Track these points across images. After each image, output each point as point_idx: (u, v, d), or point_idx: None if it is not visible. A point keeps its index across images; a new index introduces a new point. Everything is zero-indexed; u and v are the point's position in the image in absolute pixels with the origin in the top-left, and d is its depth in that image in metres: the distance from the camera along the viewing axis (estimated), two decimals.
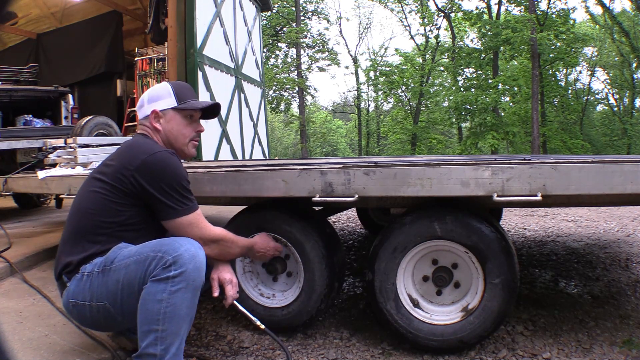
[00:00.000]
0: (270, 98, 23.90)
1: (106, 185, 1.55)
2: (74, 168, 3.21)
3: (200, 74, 6.39)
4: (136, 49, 7.21)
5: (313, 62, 26.43)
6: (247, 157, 8.10)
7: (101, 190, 1.55)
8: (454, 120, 23.30)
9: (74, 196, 2.69)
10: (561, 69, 22.94)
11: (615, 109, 27.33)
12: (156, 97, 1.73)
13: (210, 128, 6.62)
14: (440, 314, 1.88)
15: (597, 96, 28.15)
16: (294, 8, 23.77)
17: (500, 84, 21.18)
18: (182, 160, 1.73)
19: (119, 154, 1.63)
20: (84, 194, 1.63)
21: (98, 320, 1.52)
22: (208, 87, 6.61)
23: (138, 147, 1.62)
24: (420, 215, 1.86)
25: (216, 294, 1.71)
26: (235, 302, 1.77)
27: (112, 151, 3.79)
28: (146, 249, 1.44)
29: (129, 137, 5.81)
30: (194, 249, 1.44)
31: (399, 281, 1.88)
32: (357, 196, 1.74)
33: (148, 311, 1.37)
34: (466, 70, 22.89)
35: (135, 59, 6.89)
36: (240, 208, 2.21)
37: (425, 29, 25.43)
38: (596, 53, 26.37)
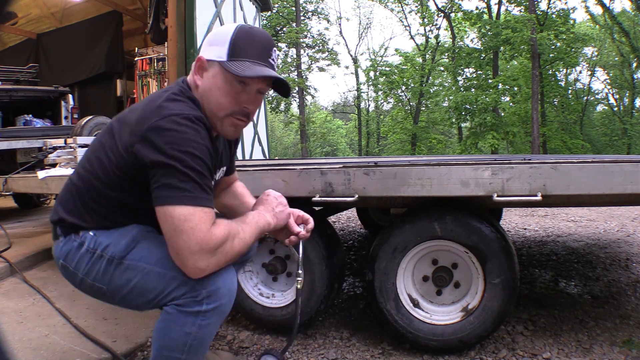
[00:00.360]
0: (270, 98, 23.90)
1: (114, 153, 1.20)
2: (74, 168, 3.21)
3: None
4: (136, 49, 7.21)
5: (313, 62, 26.46)
6: (247, 157, 8.10)
7: (109, 156, 1.21)
8: (454, 120, 23.31)
9: None
10: (561, 69, 22.95)
11: (615, 109, 27.34)
12: (212, 40, 1.25)
13: None
14: (440, 314, 1.88)
15: (597, 96, 28.18)
16: (294, 8, 23.78)
17: (500, 84, 21.18)
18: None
19: (139, 108, 1.23)
20: (93, 155, 1.28)
21: (86, 290, 1.31)
22: None
23: (154, 104, 1.19)
24: (420, 215, 1.86)
25: (298, 230, 1.41)
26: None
27: None
28: (172, 263, 1.15)
29: None
30: (231, 279, 1.21)
31: (399, 281, 1.88)
32: (357, 196, 1.74)
33: (172, 340, 1.20)
34: (466, 70, 22.90)
35: (135, 59, 6.88)
36: None
37: (425, 29, 25.45)
38: (596, 53, 26.38)
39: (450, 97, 22.47)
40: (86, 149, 1.38)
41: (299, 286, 1.50)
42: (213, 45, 1.24)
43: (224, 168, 1.50)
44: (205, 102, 1.25)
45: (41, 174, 3.04)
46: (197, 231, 1.09)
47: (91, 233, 1.26)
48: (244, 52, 1.21)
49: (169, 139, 1.12)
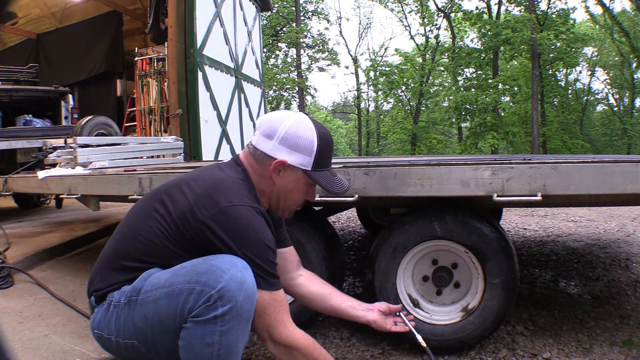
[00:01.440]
0: (270, 98, 23.91)
1: (168, 219, 1.24)
2: (74, 168, 3.21)
3: (200, 74, 6.39)
4: (136, 49, 7.21)
5: (313, 62, 26.49)
6: None
7: (161, 223, 1.25)
8: (454, 120, 23.33)
9: (74, 196, 2.71)
10: (561, 69, 22.97)
11: (615, 109, 27.35)
12: (295, 146, 1.31)
13: (210, 128, 6.62)
14: (440, 314, 1.88)
15: (597, 96, 28.21)
16: (294, 8, 23.79)
17: (500, 84, 21.20)
18: None
19: (201, 188, 1.27)
20: (144, 214, 1.31)
21: (127, 356, 1.29)
22: (208, 87, 6.61)
23: (221, 189, 1.25)
24: (421, 215, 1.86)
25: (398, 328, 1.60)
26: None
27: (112, 151, 3.79)
28: (179, 278, 1.16)
29: (128, 137, 5.85)
30: (240, 272, 1.14)
31: (399, 281, 1.88)
32: (357, 196, 1.74)
33: (197, 356, 1.14)
34: (466, 70, 22.93)
35: (135, 59, 6.89)
36: None
37: (425, 29, 25.48)
38: (596, 53, 26.40)
39: (450, 97, 22.49)
40: (132, 211, 1.40)
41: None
42: (296, 151, 1.32)
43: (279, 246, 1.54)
44: (281, 197, 1.39)
45: (41, 174, 3.03)
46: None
47: (119, 290, 1.26)
48: (323, 163, 1.37)
49: (242, 233, 1.21)
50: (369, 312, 1.60)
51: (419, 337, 1.60)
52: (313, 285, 1.61)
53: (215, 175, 1.33)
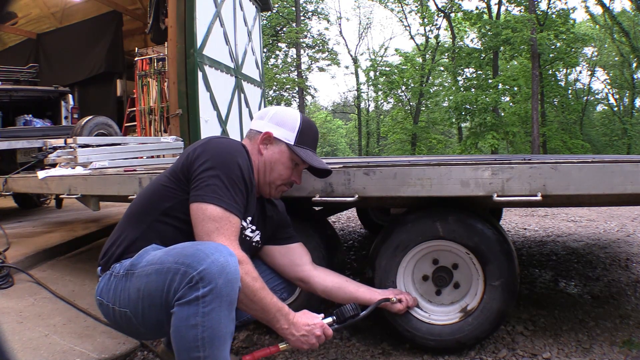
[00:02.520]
0: (270, 98, 23.91)
1: (167, 172, 1.47)
2: (74, 168, 3.21)
3: (200, 74, 6.39)
4: (136, 49, 7.21)
5: (313, 62, 26.48)
6: None
7: (162, 177, 1.47)
8: (454, 120, 23.32)
9: (74, 196, 2.71)
10: (561, 69, 22.97)
11: (615, 109, 27.36)
12: (280, 122, 1.55)
13: (210, 128, 6.62)
14: (439, 314, 1.88)
15: (597, 96, 28.21)
16: (294, 8, 23.79)
17: (500, 84, 21.20)
18: None
19: (192, 145, 1.49)
20: (142, 192, 1.55)
21: (122, 326, 1.39)
22: (208, 87, 6.61)
23: (210, 137, 1.50)
24: (423, 215, 1.86)
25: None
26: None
27: (112, 151, 3.79)
28: (169, 257, 1.25)
29: (128, 137, 5.84)
30: (223, 257, 1.19)
31: (398, 279, 1.88)
32: (357, 196, 1.74)
33: (184, 339, 1.20)
34: (466, 70, 22.93)
35: (135, 59, 6.89)
36: None
37: (425, 29, 25.48)
38: (596, 53, 26.41)
39: (450, 97, 22.49)
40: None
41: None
42: (281, 126, 1.55)
43: (259, 233, 1.62)
44: (267, 168, 1.55)
45: (41, 174, 3.03)
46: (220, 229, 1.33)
47: (120, 262, 1.39)
48: (306, 141, 1.57)
49: (216, 150, 1.39)
50: (385, 291, 1.76)
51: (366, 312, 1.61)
52: (330, 277, 1.71)
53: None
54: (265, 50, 21.61)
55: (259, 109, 9.15)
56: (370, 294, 1.70)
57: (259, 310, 1.35)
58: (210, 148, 1.39)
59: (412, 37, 27.18)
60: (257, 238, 1.61)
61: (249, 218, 1.55)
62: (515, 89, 21.58)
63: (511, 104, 22.48)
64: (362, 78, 29.00)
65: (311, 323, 1.44)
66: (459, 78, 22.92)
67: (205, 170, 1.34)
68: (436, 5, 23.79)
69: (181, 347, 1.21)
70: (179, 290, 1.18)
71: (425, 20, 24.67)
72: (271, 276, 1.69)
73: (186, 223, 1.37)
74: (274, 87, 24.10)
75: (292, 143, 1.53)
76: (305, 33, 24.88)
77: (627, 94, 25.90)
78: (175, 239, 1.36)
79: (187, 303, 1.17)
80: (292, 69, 25.05)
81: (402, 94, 26.29)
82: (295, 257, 1.69)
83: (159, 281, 1.22)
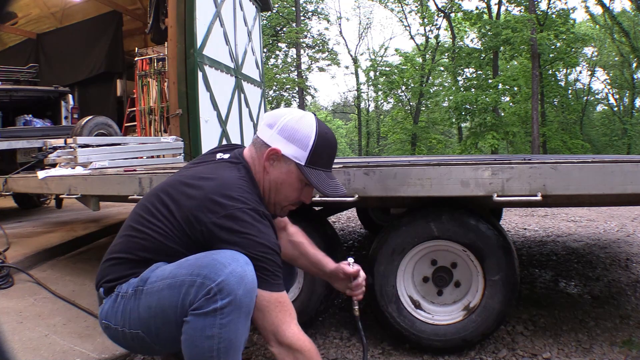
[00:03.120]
0: (270, 98, 23.91)
1: (173, 222, 1.26)
2: (74, 168, 3.21)
3: (200, 74, 6.39)
4: (136, 49, 7.21)
5: (313, 62, 26.46)
6: None
7: (166, 225, 1.26)
8: (454, 120, 23.31)
9: (74, 196, 2.71)
10: (561, 69, 22.96)
11: (615, 109, 27.35)
12: (291, 137, 1.32)
13: (210, 128, 6.62)
14: (442, 314, 1.88)
15: (597, 96, 28.20)
16: (294, 8, 23.78)
17: (500, 84, 21.19)
18: None
19: (204, 191, 1.25)
20: (148, 214, 1.31)
21: (133, 346, 1.33)
22: (208, 87, 6.61)
23: (223, 190, 1.25)
24: (416, 216, 1.86)
25: (350, 270, 1.56)
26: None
27: (112, 151, 3.79)
28: (182, 270, 1.18)
29: (128, 137, 5.84)
30: (240, 267, 1.14)
31: (399, 283, 1.88)
32: (357, 196, 1.74)
33: (198, 349, 1.15)
34: (466, 70, 22.92)
35: (135, 59, 6.88)
36: None
37: (425, 29, 25.46)
38: (596, 53, 26.39)
39: (450, 97, 22.47)
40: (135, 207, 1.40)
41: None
42: (292, 142, 1.32)
43: None
44: (272, 190, 1.37)
45: (41, 174, 3.03)
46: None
47: (127, 282, 1.29)
48: (319, 161, 1.34)
49: (247, 237, 1.21)
50: (334, 266, 1.61)
51: (355, 307, 1.59)
52: (293, 237, 1.63)
53: (218, 175, 1.31)
54: (265, 50, 21.61)
55: (259, 108, 9.15)
56: (324, 260, 1.63)
57: None
58: (236, 233, 1.20)
59: (412, 37, 27.19)
60: None
61: None
62: (515, 89, 21.57)
63: (511, 104, 22.47)
64: (362, 78, 29.01)
65: None
66: (459, 78, 22.92)
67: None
68: (436, 5, 23.80)
69: (194, 356, 1.17)
70: (195, 302, 1.14)
71: (425, 20, 24.66)
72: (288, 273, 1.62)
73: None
74: (274, 87, 24.09)
75: (303, 164, 1.32)
76: (305, 33, 24.87)
77: (627, 94, 25.90)
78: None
79: (204, 315, 1.13)
80: (292, 69, 25.04)
81: (402, 94, 26.28)
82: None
83: (172, 296, 1.16)
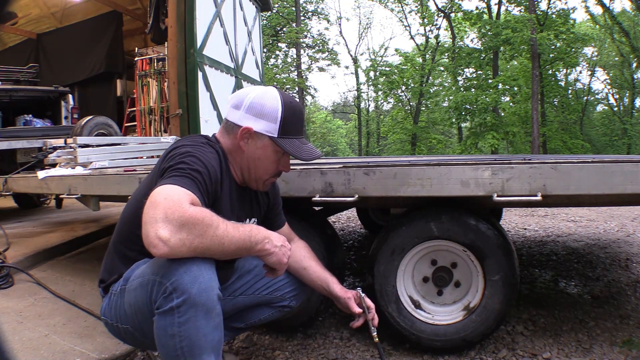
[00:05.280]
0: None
1: (142, 189, 1.36)
2: (74, 168, 3.21)
3: (200, 74, 6.39)
4: (136, 49, 7.21)
5: (313, 62, 26.47)
6: None
7: (138, 195, 1.35)
8: (454, 120, 23.30)
9: (74, 196, 2.72)
10: (561, 69, 22.97)
11: (615, 109, 27.35)
12: (259, 113, 1.37)
13: (210, 128, 6.62)
14: (442, 314, 1.88)
15: (597, 96, 28.21)
16: (294, 8, 23.78)
17: (500, 84, 21.19)
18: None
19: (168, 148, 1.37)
20: (130, 198, 1.45)
21: (128, 340, 1.39)
22: (208, 87, 6.61)
23: (177, 141, 1.37)
24: (416, 216, 1.86)
25: (358, 324, 1.53)
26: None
27: (112, 151, 3.79)
28: (148, 269, 1.21)
29: (128, 137, 5.84)
30: (195, 266, 1.14)
31: (399, 283, 1.88)
32: (357, 196, 1.74)
33: (165, 348, 1.19)
34: (466, 70, 22.92)
35: (135, 59, 6.88)
36: None
37: (425, 29, 25.47)
38: (596, 53, 26.40)
39: (450, 97, 22.48)
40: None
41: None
42: (261, 118, 1.37)
43: (255, 220, 1.55)
44: (250, 165, 1.41)
45: (41, 174, 3.03)
46: (168, 201, 1.09)
47: (119, 280, 1.35)
48: (290, 129, 1.39)
49: (181, 152, 1.26)
50: (340, 291, 1.56)
51: (374, 332, 1.54)
52: (297, 252, 1.59)
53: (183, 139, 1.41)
54: (265, 50, 21.60)
55: None
56: (331, 285, 1.57)
57: (233, 250, 1.17)
58: (175, 154, 1.27)
59: (412, 37, 27.20)
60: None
61: (253, 220, 1.53)
62: (515, 89, 21.58)
63: (511, 104, 22.48)
64: (362, 78, 29.03)
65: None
66: (459, 78, 22.92)
67: (163, 165, 1.26)
68: (436, 5, 23.80)
69: (164, 355, 1.20)
70: (157, 300, 1.16)
71: (425, 20, 24.66)
72: (283, 282, 1.60)
73: None
74: (274, 87, 24.06)
75: (276, 135, 1.37)
76: (305, 33, 24.87)
77: (627, 94, 25.90)
78: None
79: (164, 313, 1.14)
80: (292, 69, 25.04)
81: (402, 94, 26.28)
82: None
83: (143, 294, 1.20)
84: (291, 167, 1.53)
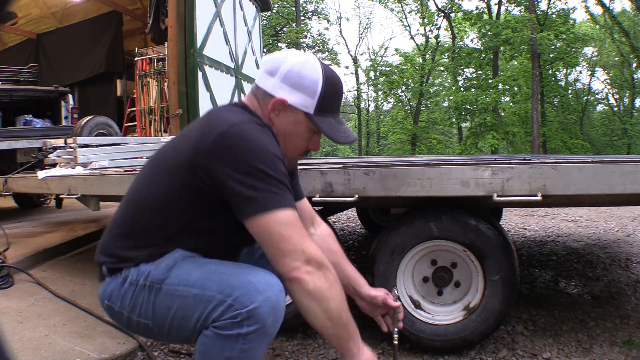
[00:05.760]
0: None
1: (174, 177, 1.17)
2: (74, 168, 3.21)
3: (200, 74, 6.39)
4: (136, 49, 7.21)
5: None
6: None
7: (167, 183, 1.18)
8: (454, 120, 23.30)
9: (74, 196, 2.71)
10: (561, 69, 22.95)
11: (615, 109, 27.35)
12: (297, 84, 1.20)
13: None
14: (442, 314, 1.88)
15: (597, 96, 28.20)
16: (294, 8, 23.80)
17: (500, 84, 21.18)
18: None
19: (198, 126, 1.20)
20: (147, 181, 1.26)
21: (134, 329, 1.28)
22: (208, 87, 6.61)
23: (217, 118, 1.18)
24: (416, 216, 1.86)
25: (396, 303, 1.42)
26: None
27: (112, 151, 3.79)
28: (212, 284, 1.10)
29: (128, 137, 5.84)
30: (275, 295, 1.08)
31: (399, 283, 1.88)
32: (357, 196, 1.74)
33: None
34: (466, 70, 22.91)
35: (135, 59, 6.88)
36: None
37: (425, 29, 25.45)
38: (596, 53, 26.39)
39: (450, 97, 22.47)
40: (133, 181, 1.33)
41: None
42: (298, 90, 1.20)
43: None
44: (280, 140, 1.23)
45: (41, 174, 3.03)
46: (293, 236, 1.08)
47: (136, 267, 1.20)
48: (328, 107, 1.24)
49: (244, 148, 1.09)
50: (374, 290, 1.47)
51: (395, 336, 1.46)
52: (325, 242, 1.46)
53: (205, 114, 1.27)
54: (265, 50, 21.59)
55: None
56: (359, 286, 1.46)
57: (337, 334, 1.16)
58: (226, 149, 1.10)
59: (412, 37, 27.18)
60: None
61: None
62: (515, 89, 21.57)
63: (511, 104, 22.46)
64: (362, 78, 29.02)
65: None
66: (459, 78, 22.91)
67: (240, 180, 1.08)
68: (436, 5, 23.79)
69: None
70: (219, 320, 1.08)
71: (425, 20, 24.65)
72: None
73: (216, 231, 1.21)
74: None
75: (312, 112, 1.22)
76: (305, 33, 24.89)
77: (627, 94, 25.89)
78: (203, 251, 1.21)
79: (226, 336, 1.07)
80: None
81: (402, 94, 26.28)
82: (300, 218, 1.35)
83: (197, 308, 1.11)
84: None
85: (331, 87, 1.23)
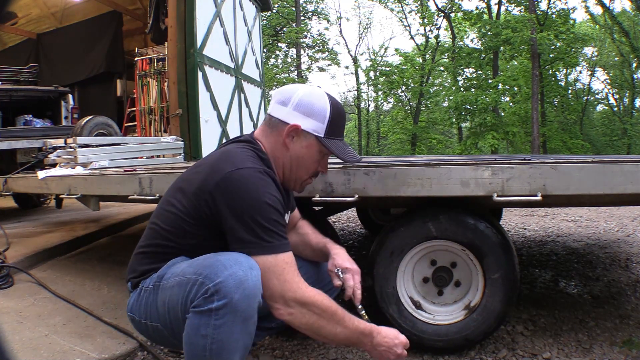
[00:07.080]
0: (270, 98, 23.90)
1: (184, 203, 1.30)
2: (74, 168, 3.21)
3: (200, 74, 6.39)
4: (136, 49, 7.21)
5: (313, 62, 26.49)
6: None
7: (178, 208, 1.31)
8: (454, 120, 23.31)
9: (74, 196, 2.71)
10: (561, 69, 22.97)
11: (615, 109, 27.36)
12: (308, 112, 1.36)
13: (210, 128, 6.62)
14: (443, 314, 1.88)
15: (597, 96, 28.21)
16: (294, 8, 23.79)
17: (500, 84, 21.20)
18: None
19: (209, 162, 1.33)
20: (163, 207, 1.38)
21: (156, 338, 1.39)
22: (208, 87, 6.61)
23: (227, 158, 1.30)
24: (414, 217, 1.85)
25: (338, 283, 1.51)
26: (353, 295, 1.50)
27: (112, 151, 3.79)
28: (190, 269, 1.21)
29: (128, 137, 5.84)
30: (242, 271, 1.15)
31: (399, 285, 1.88)
32: (357, 196, 1.74)
33: (193, 345, 1.18)
34: (466, 70, 22.92)
35: (135, 59, 6.88)
36: None
37: (425, 29, 25.46)
38: (596, 53, 26.40)
39: (450, 97, 22.48)
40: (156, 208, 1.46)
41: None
42: (309, 116, 1.36)
43: (289, 212, 1.58)
44: (293, 165, 1.41)
45: (41, 174, 3.03)
46: (287, 283, 1.22)
47: (150, 278, 1.33)
48: (336, 131, 1.40)
49: (243, 195, 1.22)
50: (330, 266, 1.59)
51: (363, 312, 1.49)
52: (301, 229, 1.67)
53: (222, 149, 1.39)
54: (265, 50, 21.60)
55: (259, 108, 9.15)
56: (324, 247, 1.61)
57: (342, 344, 1.31)
58: (230, 191, 1.22)
59: (412, 37, 27.19)
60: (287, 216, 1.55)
61: (288, 212, 1.54)
62: (515, 89, 21.58)
63: (511, 104, 22.48)
64: (362, 78, 29.02)
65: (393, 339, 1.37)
66: (459, 78, 22.92)
67: (234, 223, 1.22)
68: (436, 5, 23.80)
69: (190, 353, 1.20)
70: (195, 300, 1.16)
71: (425, 20, 24.66)
72: (318, 273, 1.61)
73: (216, 248, 1.30)
74: (274, 87, 24.09)
75: (322, 135, 1.37)
76: (305, 33, 24.88)
77: (627, 94, 25.90)
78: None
79: (201, 313, 1.14)
80: (292, 69, 25.05)
81: (402, 94, 26.28)
82: (289, 224, 1.61)
83: (180, 293, 1.20)
84: None
85: (337, 112, 1.40)
